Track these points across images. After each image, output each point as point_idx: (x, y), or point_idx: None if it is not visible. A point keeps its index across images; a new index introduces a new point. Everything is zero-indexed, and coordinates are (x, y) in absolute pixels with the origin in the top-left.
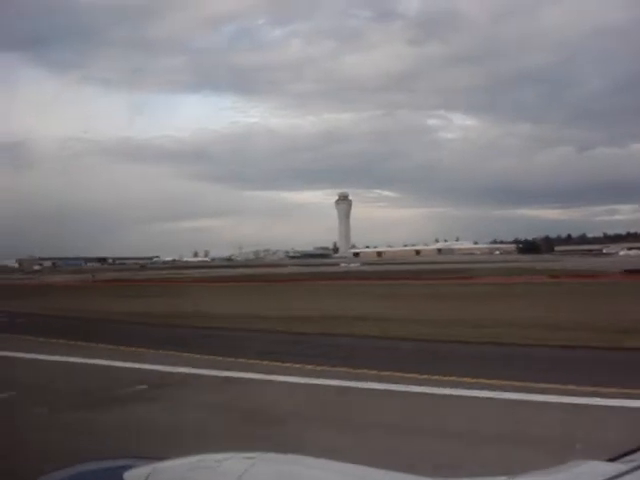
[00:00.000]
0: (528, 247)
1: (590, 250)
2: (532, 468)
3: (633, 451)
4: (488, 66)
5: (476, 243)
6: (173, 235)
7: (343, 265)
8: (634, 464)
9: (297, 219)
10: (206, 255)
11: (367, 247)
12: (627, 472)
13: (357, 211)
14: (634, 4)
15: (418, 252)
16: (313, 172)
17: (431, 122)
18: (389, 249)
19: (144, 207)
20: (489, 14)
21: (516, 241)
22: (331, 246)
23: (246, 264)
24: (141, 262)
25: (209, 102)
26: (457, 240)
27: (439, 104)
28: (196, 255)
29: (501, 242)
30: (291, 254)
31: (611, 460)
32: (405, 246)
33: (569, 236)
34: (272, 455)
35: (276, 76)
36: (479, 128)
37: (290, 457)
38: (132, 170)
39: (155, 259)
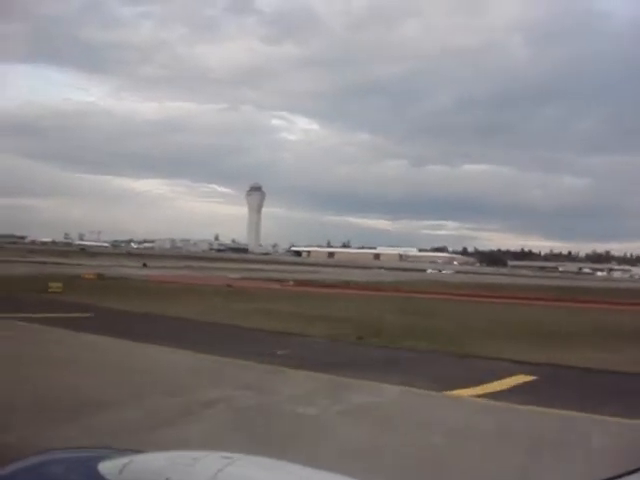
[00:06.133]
0: (492, 260)
1: (543, 267)
2: None
3: (624, 474)
4: (337, 72)
5: (423, 250)
6: None
7: (430, 272)
8: None
9: (129, 207)
10: (81, 238)
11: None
12: None
13: (190, 205)
14: (482, 29)
15: (377, 256)
16: (149, 160)
17: (275, 122)
18: (340, 250)
19: None
20: (346, 21)
21: (461, 252)
22: (213, 239)
23: (197, 256)
24: (80, 245)
25: (44, 75)
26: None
27: (284, 105)
28: (67, 237)
29: (436, 250)
30: (215, 247)
31: None
32: (337, 247)
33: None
34: (249, 457)
35: (122, 56)
36: (321, 133)
37: (268, 461)
38: None
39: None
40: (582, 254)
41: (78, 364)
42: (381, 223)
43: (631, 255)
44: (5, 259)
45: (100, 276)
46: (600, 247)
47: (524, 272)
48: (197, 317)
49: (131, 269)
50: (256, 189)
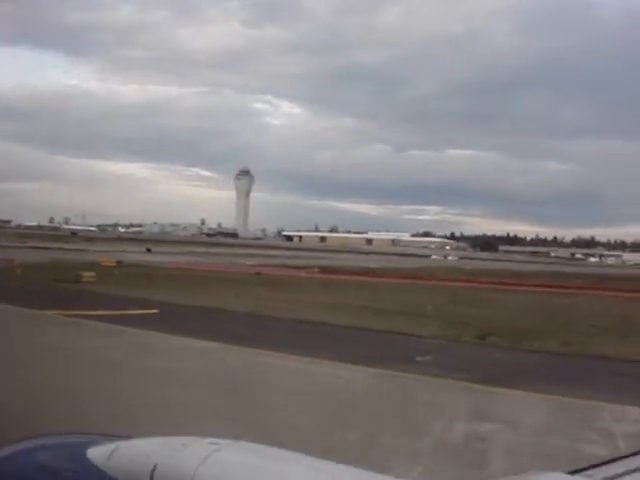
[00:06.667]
0: (484, 245)
1: (535, 252)
2: None
3: (595, 465)
4: (321, 57)
5: (423, 236)
6: None
7: (435, 257)
8: (595, 478)
9: (112, 190)
10: (66, 222)
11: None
12: None
13: (173, 189)
14: (467, 16)
15: (369, 241)
16: (131, 143)
17: (258, 105)
18: (331, 235)
19: None
20: (330, 6)
21: (449, 237)
22: (199, 223)
23: (193, 240)
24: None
25: (28, 58)
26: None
27: (268, 89)
28: (52, 221)
29: (424, 235)
30: (205, 231)
31: (572, 473)
32: (322, 232)
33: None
34: (238, 443)
35: (104, 39)
36: (305, 118)
37: (258, 447)
38: None
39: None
40: (567, 239)
41: (249, 390)
42: (364, 207)
43: (615, 241)
44: (6, 244)
45: (119, 263)
46: (583, 233)
47: (519, 257)
48: (269, 312)
49: (140, 255)
50: (244, 173)
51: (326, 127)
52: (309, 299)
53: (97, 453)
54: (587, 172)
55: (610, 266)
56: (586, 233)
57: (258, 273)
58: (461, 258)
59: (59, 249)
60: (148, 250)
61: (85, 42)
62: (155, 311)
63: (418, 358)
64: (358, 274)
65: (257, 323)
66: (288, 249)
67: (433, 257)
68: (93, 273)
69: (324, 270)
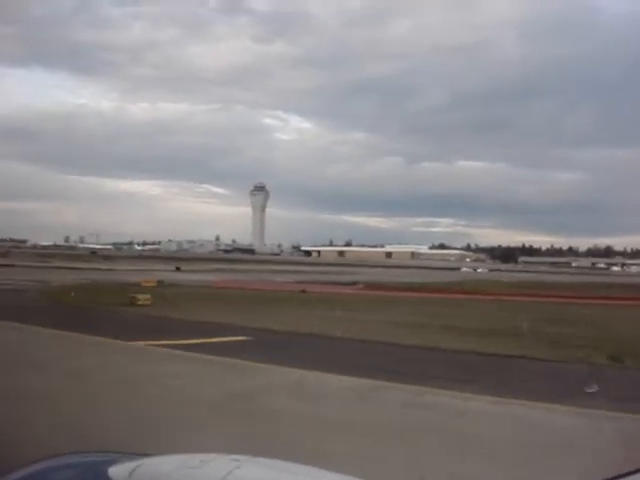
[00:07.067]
0: (504, 256)
1: (555, 263)
2: None
3: (626, 474)
4: (330, 71)
5: (436, 247)
6: None
7: (465, 270)
8: None
9: (124, 208)
10: (82, 241)
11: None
12: None
13: (185, 206)
14: (474, 26)
15: (389, 255)
16: (141, 161)
17: (268, 121)
18: (349, 249)
19: None
20: (338, 20)
21: (465, 248)
22: (214, 239)
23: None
24: (90, 248)
25: (36, 78)
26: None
27: (277, 104)
28: (67, 240)
29: (439, 247)
30: (222, 248)
31: None
32: (344, 245)
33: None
34: (258, 459)
35: (112, 57)
36: (315, 132)
37: (276, 462)
38: None
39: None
40: (582, 249)
41: None
42: (376, 220)
43: (632, 250)
44: (30, 264)
45: (160, 283)
46: (598, 242)
47: (542, 268)
48: (366, 336)
49: (172, 274)
50: (260, 188)
51: (336, 141)
52: (388, 319)
53: (118, 471)
54: (598, 181)
55: (637, 275)
56: (601, 242)
57: (304, 291)
58: (490, 270)
59: (88, 269)
60: (177, 269)
61: (95, 61)
62: (244, 338)
63: (587, 390)
64: (407, 290)
65: (368, 350)
66: (311, 264)
67: (463, 269)
68: (148, 295)
69: (369, 286)
